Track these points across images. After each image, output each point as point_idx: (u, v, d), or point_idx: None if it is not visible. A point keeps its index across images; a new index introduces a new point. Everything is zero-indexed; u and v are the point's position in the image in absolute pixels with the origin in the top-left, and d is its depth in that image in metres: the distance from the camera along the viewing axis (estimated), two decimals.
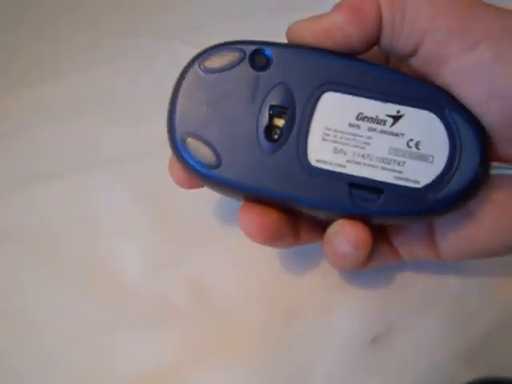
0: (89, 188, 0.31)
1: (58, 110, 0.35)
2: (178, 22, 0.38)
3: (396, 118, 0.20)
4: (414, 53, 0.20)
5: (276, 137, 0.21)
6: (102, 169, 0.32)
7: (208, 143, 0.21)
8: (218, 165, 0.21)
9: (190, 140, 0.21)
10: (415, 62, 0.21)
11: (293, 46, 0.21)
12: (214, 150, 0.21)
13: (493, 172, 0.21)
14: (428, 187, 0.20)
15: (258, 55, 0.21)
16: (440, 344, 0.26)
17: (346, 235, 0.21)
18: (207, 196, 0.30)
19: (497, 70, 0.19)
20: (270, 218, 0.22)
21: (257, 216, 0.22)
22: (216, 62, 0.21)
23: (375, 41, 0.21)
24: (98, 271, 0.28)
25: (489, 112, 0.20)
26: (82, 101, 0.35)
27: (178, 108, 0.21)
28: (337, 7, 0.21)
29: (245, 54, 0.21)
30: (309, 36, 0.21)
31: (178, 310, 0.27)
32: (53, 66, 0.37)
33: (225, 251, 0.29)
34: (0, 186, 0.32)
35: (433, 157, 0.20)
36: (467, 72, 0.20)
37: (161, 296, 0.28)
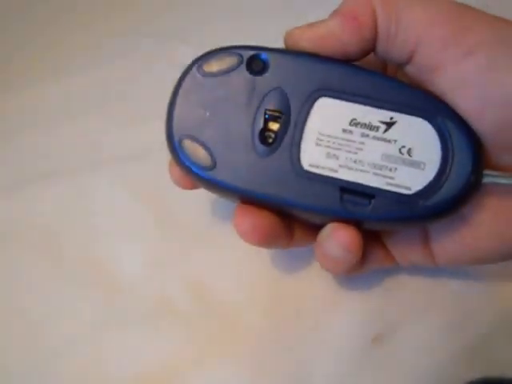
0: (89, 188, 0.31)
1: (58, 110, 0.35)
2: (178, 22, 0.38)
3: (389, 125, 0.21)
4: (409, 60, 0.20)
5: (270, 140, 0.21)
6: (102, 169, 0.32)
7: (204, 145, 0.21)
8: (213, 167, 0.21)
9: (186, 142, 0.22)
10: (410, 70, 0.21)
11: (289, 52, 0.21)
12: (209, 152, 0.21)
13: (485, 180, 0.21)
14: (419, 194, 0.20)
15: (255, 60, 0.21)
16: (440, 344, 0.26)
17: (336, 238, 0.21)
18: (207, 196, 0.30)
19: (491, 78, 0.19)
20: (263, 219, 0.22)
21: (250, 217, 0.22)
22: (214, 66, 0.21)
23: (371, 48, 0.21)
24: (98, 271, 0.28)
25: (483, 120, 0.20)
26: (82, 101, 0.35)
27: (176, 110, 0.22)
28: (333, 14, 0.21)
29: (242, 59, 0.21)
30: (305, 42, 0.21)
31: (178, 310, 0.27)
32: (53, 66, 0.37)
33: (225, 251, 0.29)
34: (0, 186, 0.32)
35: (424, 164, 0.20)
36: (461, 80, 0.20)
37: (161, 296, 0.28)
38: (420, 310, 0.27)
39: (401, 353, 0.26)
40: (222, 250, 0.29)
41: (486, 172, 0.21)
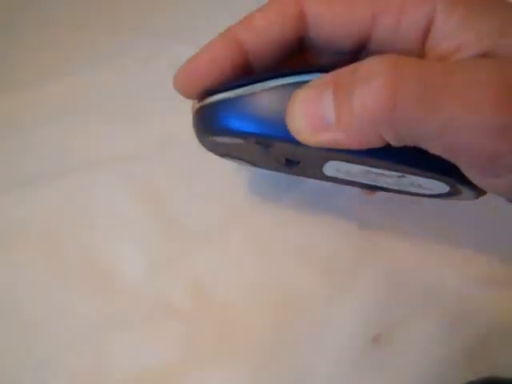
0: (89, 188, 0.31)
1: (58, 110, 0.35)
2: (178, 22, 0.38)
3: (402, 176, 0.21)
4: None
5: (295, 163, 0.23)
6: (102, 169, 0.32)
7: (243, 160, 0.25)
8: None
9: (228, 158, 0.25)
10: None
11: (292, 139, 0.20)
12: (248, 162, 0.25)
13: None
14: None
15: (260, 142, 0.21)
16: (440, 344, 0.26)
17: None
18: (207, 196, 0.30)
19: None
20: None
21: None
22: (223, 140, 0.21)
23: None
24: (98, 271, 0.28)
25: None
26: (81, 101, 0.35)
27: (206, 148, 0.23)
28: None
29: (248, 140, 0.21)
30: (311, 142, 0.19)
31: (178, 310, 0.27)
32: (53, 66, 0.37)
33: (225, 251, 0.29)
34: (0, 186, 0.32)
35: (433, 190, 0.22)
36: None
37: (161, 296, 0.28)
38: (420, 309, 0.27)
39: (401, 353, 0.26)
40: (222, 250, 0.29)
41: None
